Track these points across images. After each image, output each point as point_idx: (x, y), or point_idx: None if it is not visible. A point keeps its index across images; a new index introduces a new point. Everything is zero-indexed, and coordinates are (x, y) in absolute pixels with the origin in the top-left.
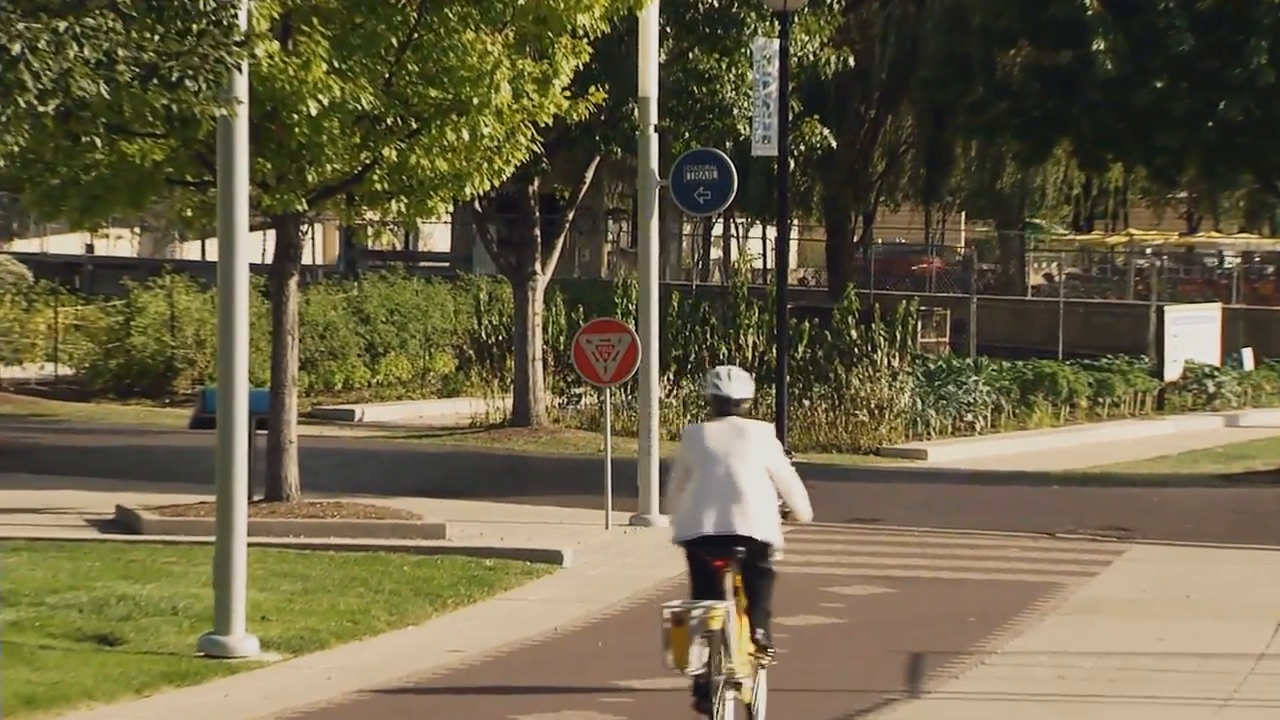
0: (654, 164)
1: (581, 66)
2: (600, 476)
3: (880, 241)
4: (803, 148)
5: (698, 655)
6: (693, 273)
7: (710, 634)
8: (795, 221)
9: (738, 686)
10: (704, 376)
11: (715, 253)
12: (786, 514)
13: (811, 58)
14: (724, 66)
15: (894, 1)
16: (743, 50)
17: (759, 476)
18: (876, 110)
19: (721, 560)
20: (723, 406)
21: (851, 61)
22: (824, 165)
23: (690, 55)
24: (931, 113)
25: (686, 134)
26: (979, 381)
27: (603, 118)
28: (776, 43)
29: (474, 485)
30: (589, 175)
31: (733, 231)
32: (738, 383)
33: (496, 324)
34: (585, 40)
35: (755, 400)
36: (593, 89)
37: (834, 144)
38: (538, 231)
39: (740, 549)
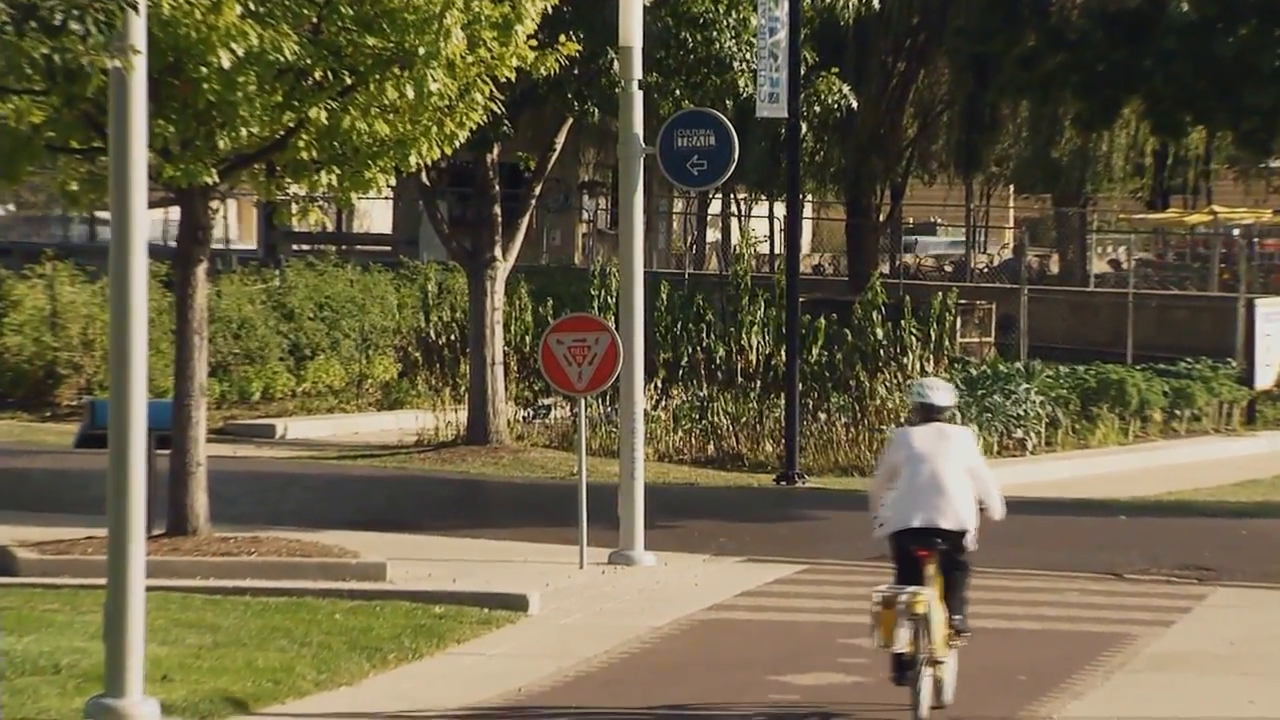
0: (638, 128)
1: (550, 10)
2: (573, 505)
3: (911, 222)
4: (817, 108)
5: (903, 635)
6: (685, 259)
7: (915, 617)
8: (809, 197)
9: (936, 664)
10: (910, 386)
11: (712, 235)
12: (982, 509)
13: None
14: (722, 10)
15: None
16: None
17: (960, 477)
18: (906, 63)
19: (926, 551)
20: (928, 413)
21: (876, 3)
22: (843, 129)
23: None
24: (973, 66)
25: (677, 91)
26: (1031, 390)
27: (576, 72)
28: None
29: (421, 516)
30: (559, 141)
31: (733, 210)
32: (942, 392)
33: (448, 321)
34: None
35: (760, 413)
36: (564, 37)
37: (855, 104)
38: (498, 209)
39: (941, 541)
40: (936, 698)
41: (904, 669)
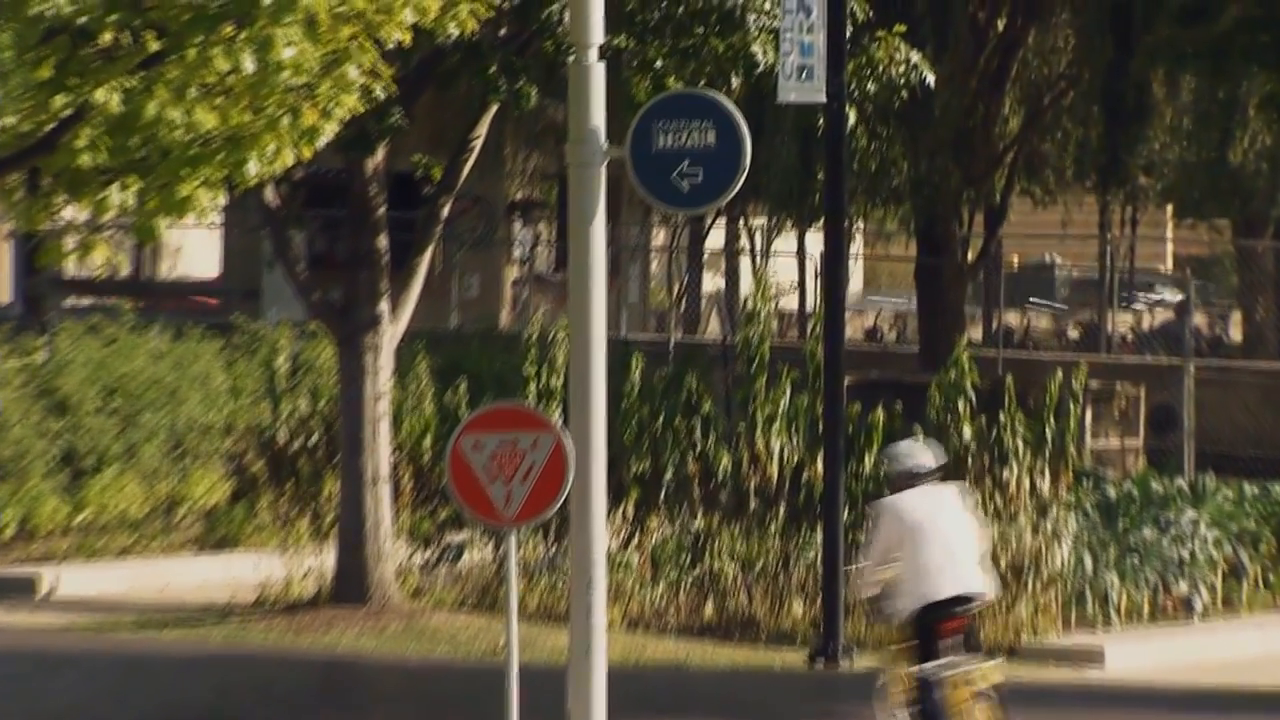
0: (598, 119)
1: None
2: (496, 700)
3: (1016, 262)
4: (872, 87)
5: (982, 716)
6: (670, 319)
7: (988, 692)
8: (859, 224)
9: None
10: (884, 456)
11: (711, 282)
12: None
13: None
14: None
15: None
16: None
17: (971, 536)
18: (1009, 18)
19: (963, 620)
20: (915, 479)
21: None
22: (912, 121)
23: None
24: (1110, 23)
25: (659, 63)
26: (1200, 521)
27: (503, 32)
28: None
29: (265, 718)
30: (478, 140)
31: (743, 244)
32: (927, 454)
33: (307, 415)
34: None
35: (786, 555)
36: None
37: (931, 79)
38: (383, 243)
39: (975, 604)
40: None
41: None
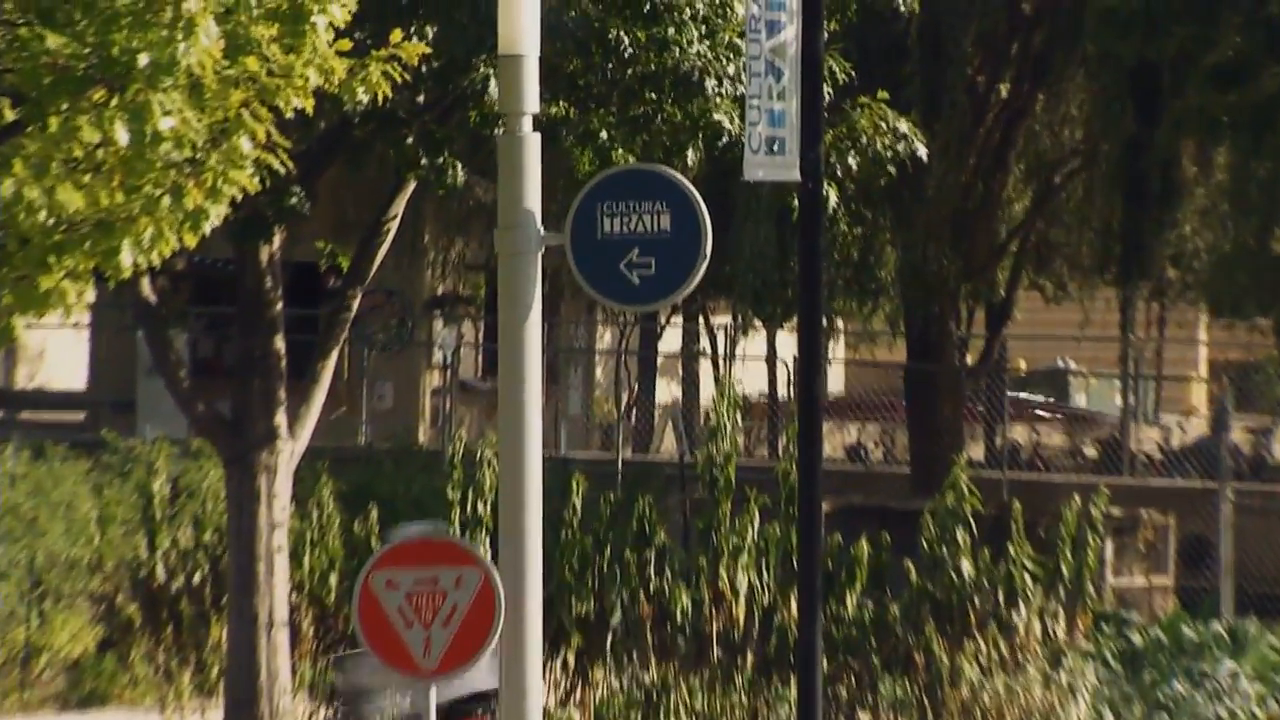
0: (533, 200)
1: None
2: None
3: (1023, 367)
4: (855, 162)
5: None
6: (618, 434)
7: None
8: (840, 324)
9: None
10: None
11: (666, 390)
12: None
13: None
14: None
15: None
16: None
17: None
18: (1014, 81)
19: None
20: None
21: None
22: (903, 201)
23: None
24: (1131, 88)
25: (605, 134)
26: (1241, 675)
27: (422, 99)
28: None
29: None
30: (393, 223)
31: (703, 346)
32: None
33: (190, 548)
34: None
35: (755, 711)
36: (400, 36)
37: (924, 152)
38: (279, 346)
39: None
40: None
41: None
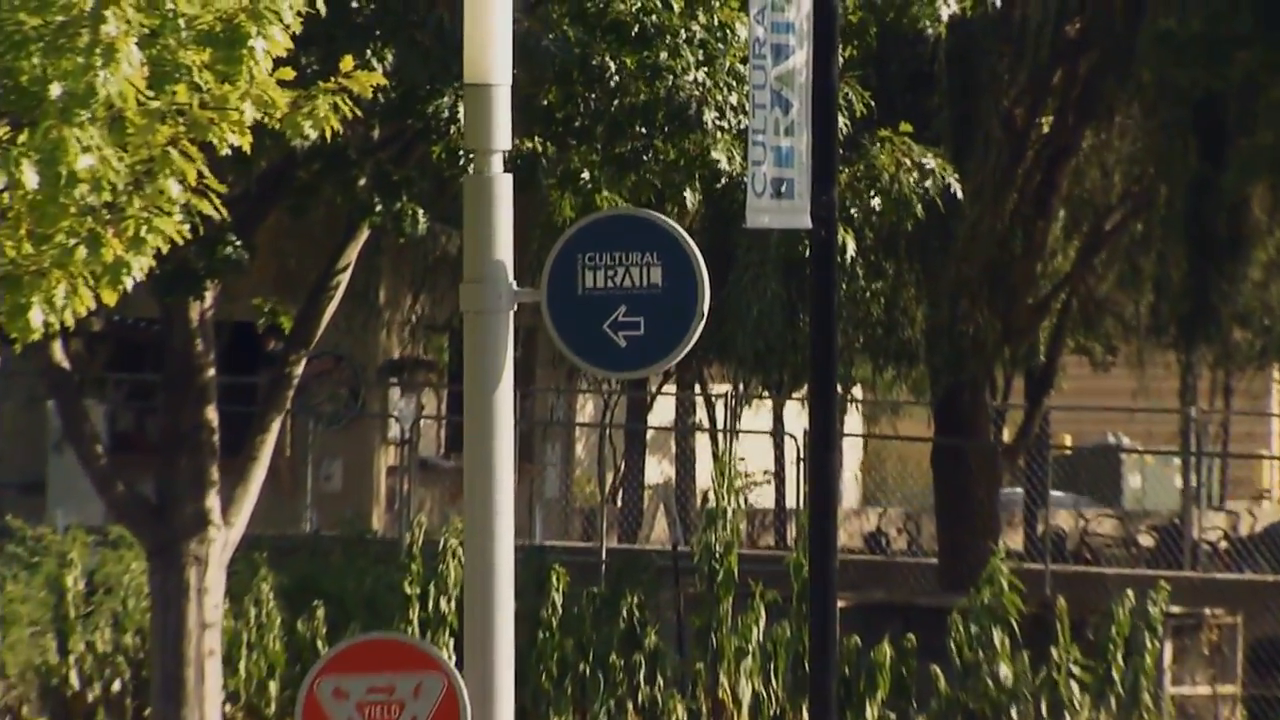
0: (504, 249)
1: (327, 5)
2: None
3: (1069, 444)
4: (876, 205)
5: None
6: (602, 519)
7: None
8: (857, 394)
9: None
10: None
11: (657, 468)
12: None
13: None
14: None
15: None
16: None
17: None
18: (1057, 117)
19: None
20: None
21: None
22: (930, 251)
23: None
24: (1194, 123)
25: (587, 175)
26: None
27: (377, 133)
28: None
29: None
30: (343, 277)
31: (699, 417)
32: None
33: (108, 651)
34: None
35: None
36: (349, 64)
37: (957, 191)
38: (212, 417)
39: None
40: None
41: None
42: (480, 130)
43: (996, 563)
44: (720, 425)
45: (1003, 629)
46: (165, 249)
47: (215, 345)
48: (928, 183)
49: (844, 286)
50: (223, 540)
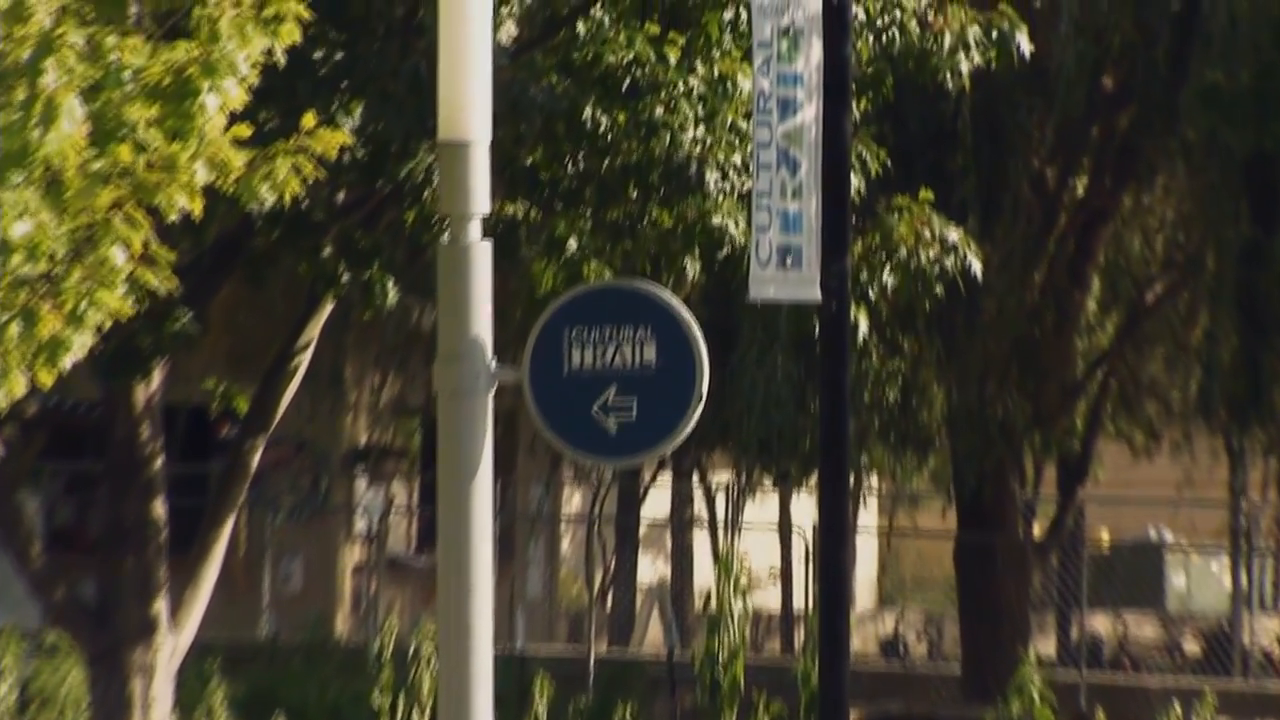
0: (482, 324)
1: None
2: None
3: (1106, 539)
4: (890, 278)
5: None
6: (590, 624)
7: None
8: (872, 484)
9: None
10: None
11: (651, 566)
12: None
13: (915, 35)
14: (673, 57)
15: None
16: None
17: None
18: (1092, 178)
19: None
20: None
21: (1025, 45)
22: (952, 329)
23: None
24: (1244, 184)
25: (575, 243)
26: None
27: (343, 195)
28: None
29: None
30: (303, 355)
31: (697, 510)
32: None
33: None
34: None
35: None
36: (311, 121)
37: (978, 269)
38: (160, 510)
39: None
40: None
41: None
42: (456, 193)
43: (1026, 671)
44: (721, 518)
45: None
46: (108, 324)
47: (163, 431)
48: (948, 259)
49: (857, 366)
50: (171, 646)
